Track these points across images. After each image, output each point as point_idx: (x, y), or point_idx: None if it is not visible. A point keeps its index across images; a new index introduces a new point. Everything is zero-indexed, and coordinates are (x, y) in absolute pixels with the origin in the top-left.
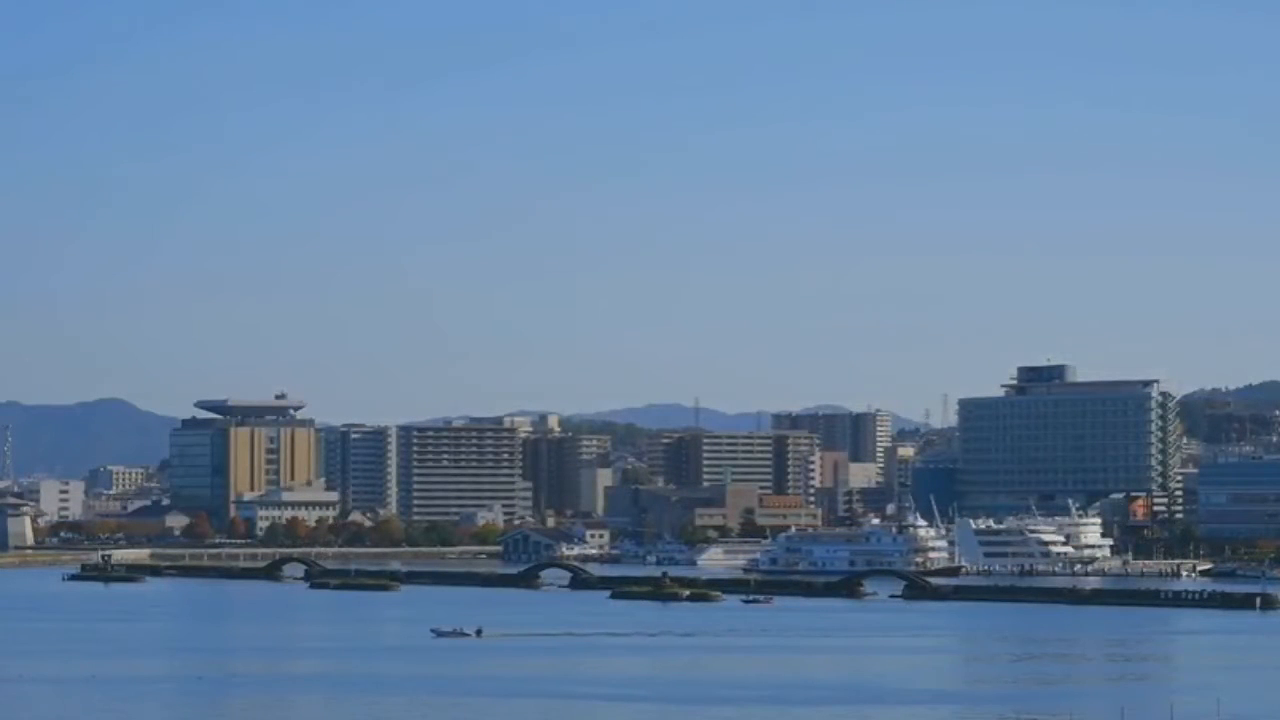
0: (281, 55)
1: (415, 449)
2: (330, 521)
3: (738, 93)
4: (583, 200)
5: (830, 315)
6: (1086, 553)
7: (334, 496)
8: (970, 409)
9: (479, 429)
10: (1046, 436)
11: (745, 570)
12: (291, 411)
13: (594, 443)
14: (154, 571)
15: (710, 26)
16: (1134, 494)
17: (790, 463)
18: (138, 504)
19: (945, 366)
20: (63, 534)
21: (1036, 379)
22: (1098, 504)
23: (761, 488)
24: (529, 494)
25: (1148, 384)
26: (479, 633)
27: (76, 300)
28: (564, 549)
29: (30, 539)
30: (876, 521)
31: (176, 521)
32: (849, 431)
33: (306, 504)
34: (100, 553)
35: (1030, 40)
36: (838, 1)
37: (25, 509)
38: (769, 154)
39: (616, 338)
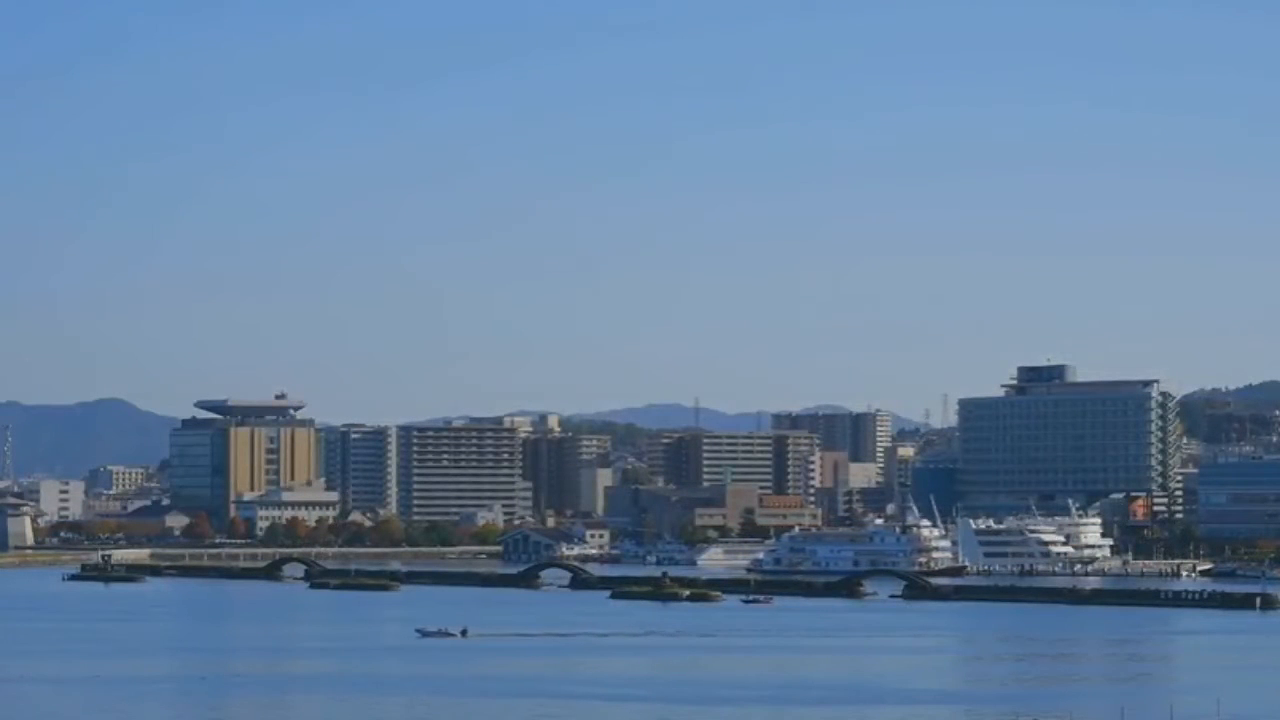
0: (281, 55)
1: (415, 449)
2: (330, 521)
3: (738, 93)
4: (583, 200)
5: (830, 315)
6: (1086, 553)
7: (334, 496)
8: (970, 409)
9: (479, 429)
10: (1046, 436)
11: (749, 570)
12: (291, 411)
13: (594, 443)
14: (154, 571)
15: (710, 26)
16: (1134, 494)
17: (790, 463)
18: (138, 504)
19: (945, 366)
20: (63, 534)
21: (1036, 379)
22: (1098, 504)
23: (761, 488)
24: (529, 494)
25: (1148, 384)
26: (464, 633)
27: (76, 300)
28: (564, 549)
29: (30, 539)
30: (880, 522)
31: (176, 521)
32: (849, 431)
33: (306, 504)
34: (100, 553)
35: (1030, 40)
36: (838, 1)
37: (25, 509)
38: (769, 154)
39: (616, 338)
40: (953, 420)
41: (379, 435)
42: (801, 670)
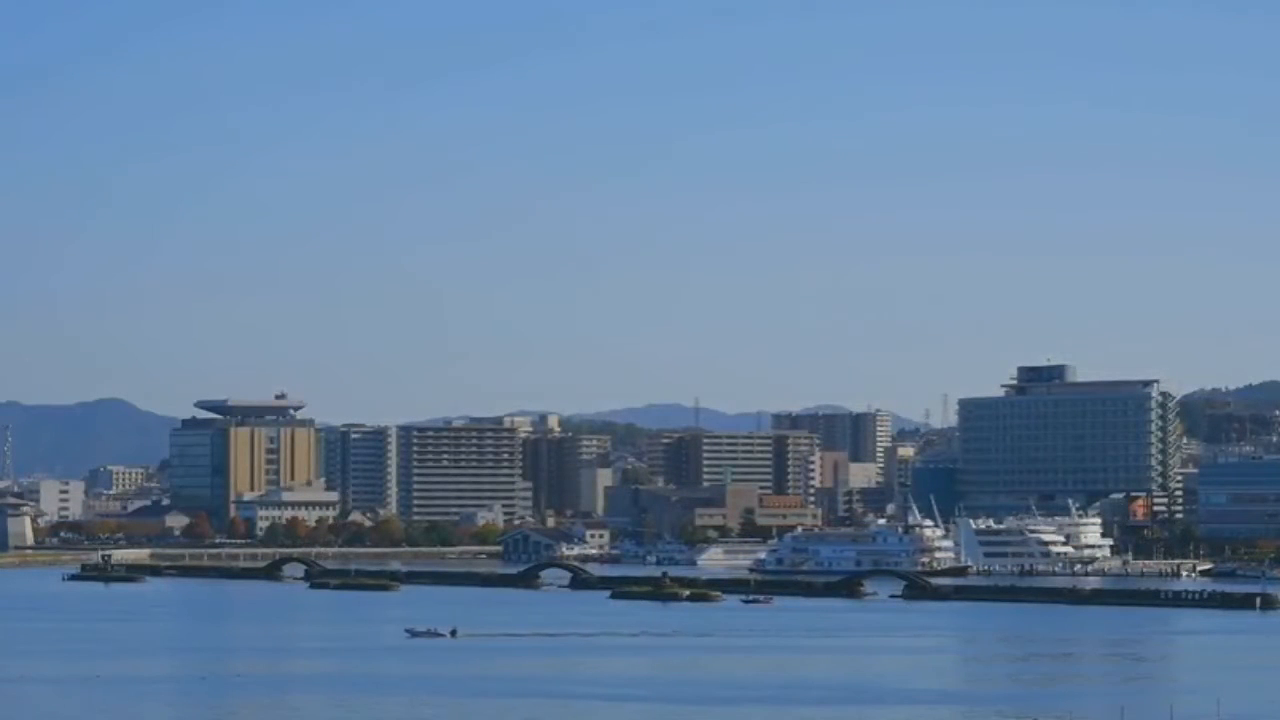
0: (281, 55)
1: (415, 449)
2: (330, 521)
3: (737, 93)
4: (583, 200)
5: (830, 315)
6: (1086, 553)
7: (334, 496)
8: (970, 409)
9: (479, 429)
10: (1046, 436)
11: (751, 570)
12: (291, 411)
13: (594, 443)
14: (154, 571)
15: (710, 26)
16: (1134, 494)
17: (790, 463)
18: (138, 504)
19: (945, 366)
20: (63, 534)
21: (1036, 379)
22: (1098, 504)
23: (761, 488)
24: (529, 494)
25: (1148, 384)
26: (453, 633)
27: (76, 300)
28: (564, 549)
29: (30, 539)
30: (882, 522)
31: (176, 521)
32: (849, 431)
33: (306, 504)
34: (100, 553)
35: (1030, 40)
36: (838, 1)
37: (25, 509)
38: (769, 154)
39: (616, 338)
40: (953, 420)
41: (379, 435)
42: (801, 670)
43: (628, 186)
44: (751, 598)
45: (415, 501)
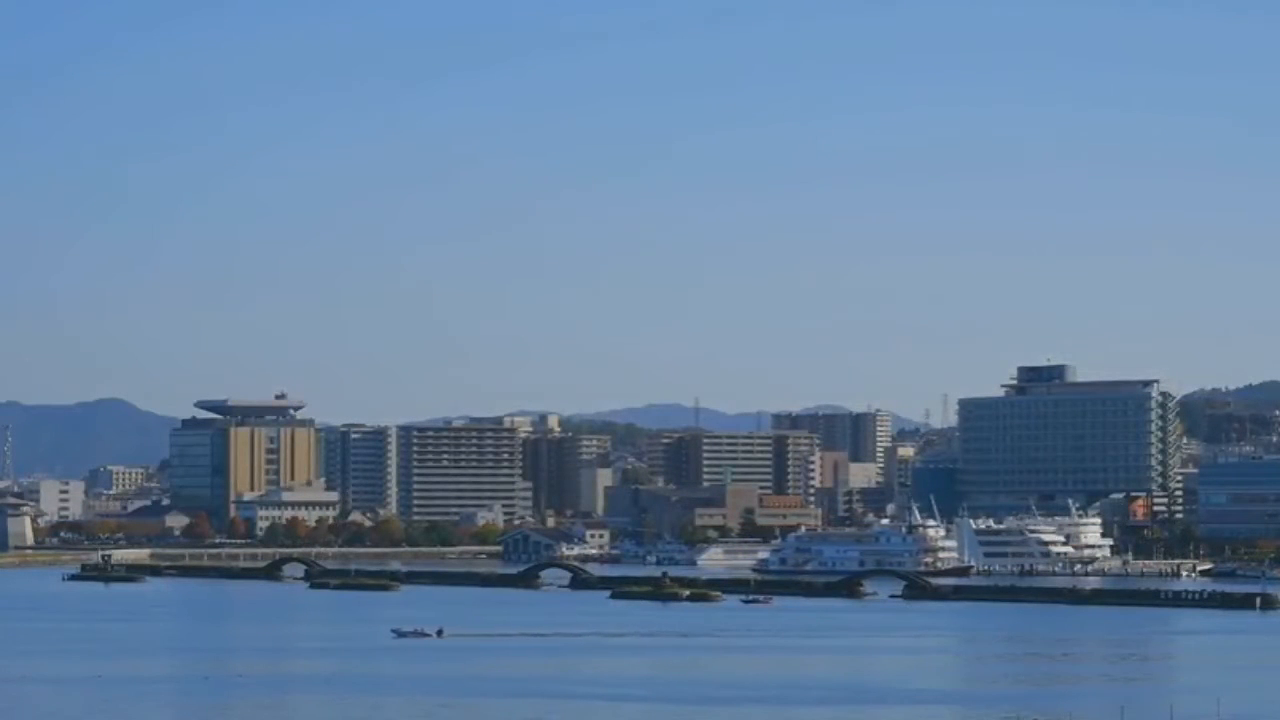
0: (281, 55)
1: (415, 449)
2: (330, 521)
3: (737, 93)
4: (583, 200)
5: (830, 315)
6: (1086, 553)
7: (334, 496)
8: (970, 409)
9: (479, 429)
10: (1046, 436)
11: (755, 570)
12: (291, 411)
13: (594, 443)
14: (154, 571)
15: (710, 26)
16: (1134, 494)
17: (790, 463)
18: (138, 504)
19: (945, 366)
20: (63, 534)
21: (1036, 379)
22: (1098, 504)
23: (761, 488)
24: (529, 494)
25: (1148, 384)
26: (440, 633)
27: (76, 300)
28: (564, 549)
29: (30, 539)
30: (886, 522)
31: (176, 521)
32: (849, 431)
33: (306, 504)
34: (100, 553)
35: (1030, 40)
36: (838, 1)
37: (25, 509)
38: (769, 154)
39: (616, 338)
40: (953, 420)
41: (379, 435)
42: (801, 670)
43: (628, 186)
44: (751, 598)
45: (415, 501)
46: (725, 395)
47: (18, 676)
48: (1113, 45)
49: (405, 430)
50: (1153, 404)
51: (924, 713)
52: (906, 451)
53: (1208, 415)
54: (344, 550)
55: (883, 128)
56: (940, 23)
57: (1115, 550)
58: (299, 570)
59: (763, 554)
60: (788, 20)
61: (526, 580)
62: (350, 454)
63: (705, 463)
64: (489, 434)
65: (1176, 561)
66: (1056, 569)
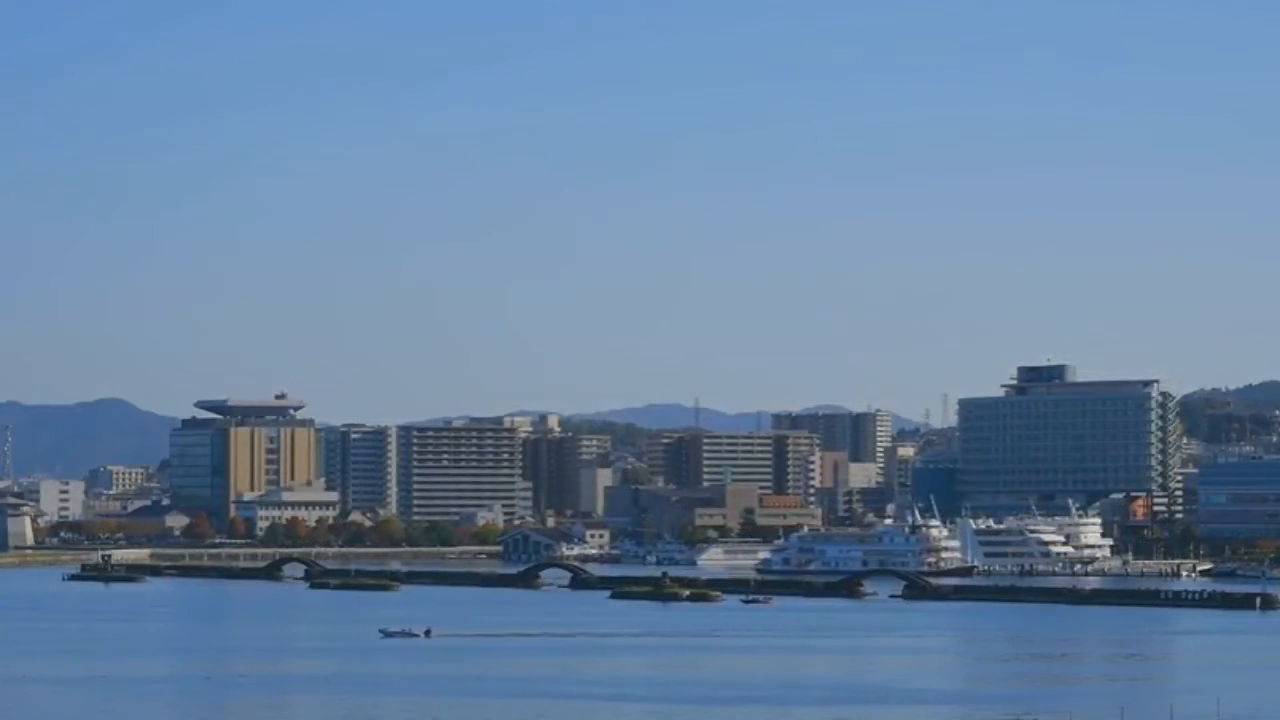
0: (281, 55)
1: (415, 449)
2: (330, 521)
3: (737, 93)
4: (583, 200)
5: (830, 315)
6: (1086, 553)
7: (334, 496)
8: (970, 409)
9: (479, 429)
10: (1046, 436)
11: (758, 570)
12: (291, 411)
13: (594, 443)
14: (154, 571)
15: (710, 26)
16: (1134, 494)
17: (790, 463)
18: (138, 504)
19: (945, 366)
20: (63, 534)
21: (1036, 379)
22: (1098, 504)
23: (761, 488)
24: (529, 494)
25: (1148, 384)
26: (427, 633)
27: (76, 300)
28: (564, 549)
29: (30, 539)
30: (889, 522)
31: (176, 521)
32: (849, 431)
33: (306, 504)
34: (100, 553)
35: (1030, 40)
36: (838, 1)
37: (25, 509)
38: (769, 154)
39: (616, 338)
40: (953, 420)
41: (379, 435)
42: (801, 670)
43: (628, 186)
44: (751, 598)
45: (415, 501)
46: (725, 395)
47: (18, 676)
48: (1113, 45)
49: (405, 430)
50: (1153, 404)
51: (924, 713)
52: (906, 451)
53: (1208, 415)
54: (344, 550)
55: (883, 128)
56: (940, 23)
57: (1115, 550)
58: (299, 570)
59: (763, 554)
60: (788, 20)
61: (526, 580)
62: (350, 454)
63: (705, 463)
64: (489, 434)
65: (1176, 561)
66: (1056, 569)
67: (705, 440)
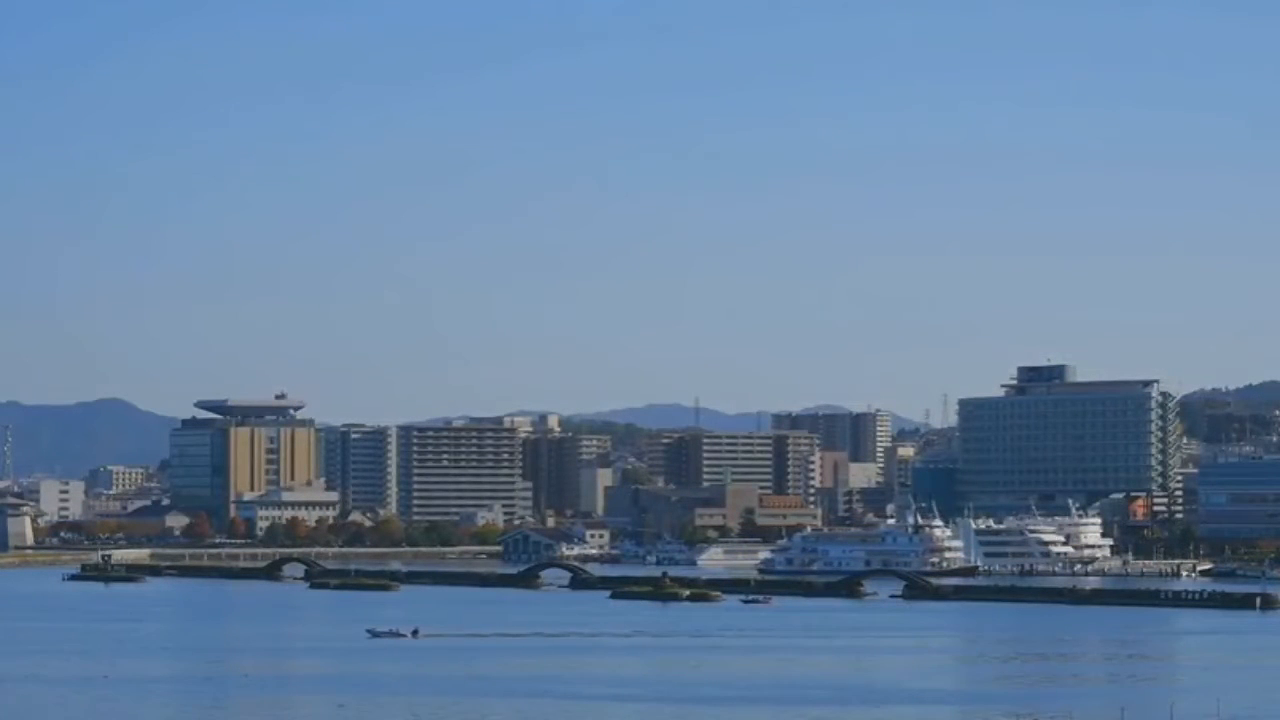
0: (281, 55)
1: (415, 449)
2: (330, 521)
3: (738, 93)
4: (583, 200)
5: (830, 315)
6: (1086, 553)
7: (334, 496)
8: (970, 409)
9: (479, 429)
10: (1046, 436)
11: (761, 570)
12: (291, 411)
13: (594, 443)
14: (154, 571)
15: (710, 27)
16: (1134, 494)
17: (790, 463)
18: (138, 504)
19: (945, 366)
20: (63, 534)
21: (1036, 379)
22: (1098, 504)
23: (761, 488)
24: (529, 494)
25: (1148, 384)
26: (414, 633)
27: (76, 300)
28: (564, 549)
29: (30, 539)
30: (892, 522)
31: (176, 521)
32: (849, 431)
33: (306, 504)
34: (100, 553)
35: (1030, 40)
36: (838, 2)
37: (25, 509)
38: (769, 154)
39: (616, 338)
40: (953, 420)
41: (379, 435)
42: (801, 670)
43: (628, 187)
44: (751, 598)
45: (415, 501)
46: (725, 395)
47: (18, 676)
48: (1113, 45)
49: (405, 430)
50: (1153, 404)
51: (924, 713)
52: (906, 451)
53: (1208, 415)
54: (344, 550)
55: (883, 128)
56: (940, 23)
57: (1115, 550)
58: (299, 570)
59: (763, 554)
60: (788, 21)
61: (526, 580)
62: (350, 454)
63: (705, 463)
64: (489, 434)
65: (1176, 561)
66: (1056, 569)
67: (705, 440)
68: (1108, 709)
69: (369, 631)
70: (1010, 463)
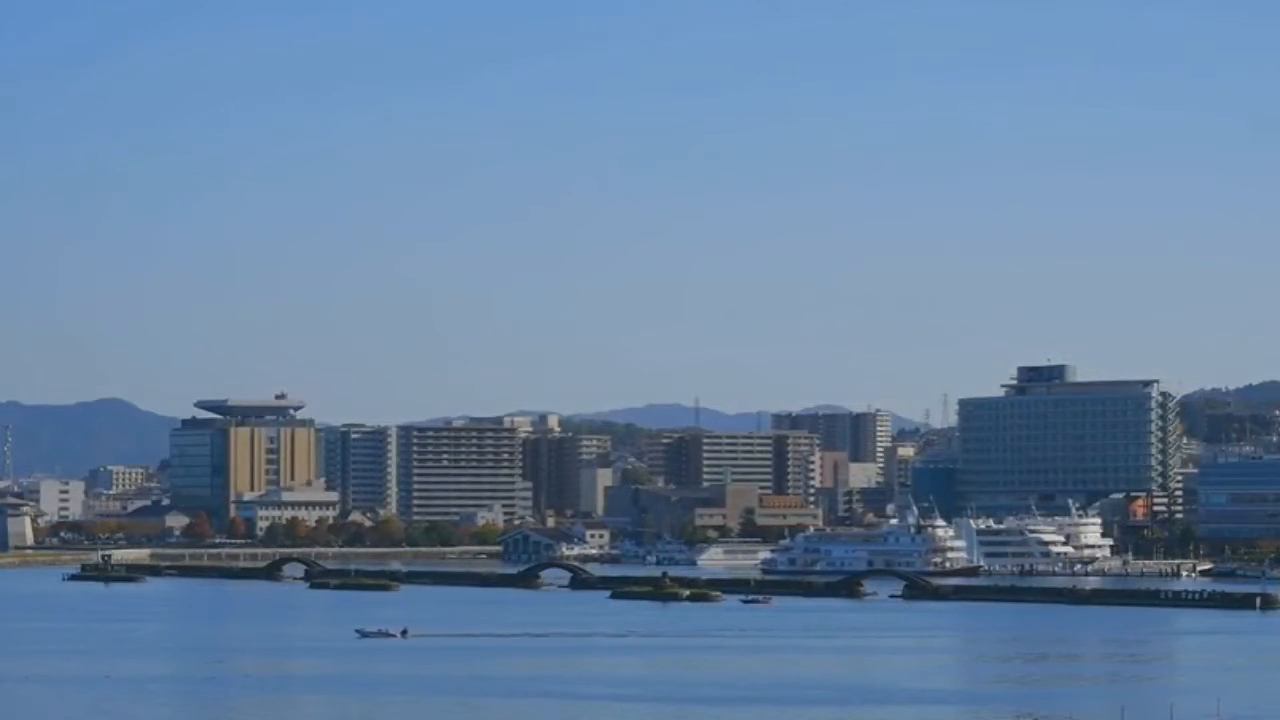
0: (281, 55)
1: (415, 449)
2: (330, 521)
3: (738, 93)
4: (583, 200)
5: (830, 315)
6: (1086, 553)
7: (334, 496)
8: (970, 409)
9: (479, 429)
10: (1046, 436)
11: (763, 570)
12: (291, 411)
13: (594, 443)
14: (154, 571)
15: (710, 27)
16: (1134, 494)
17: (790, 463)
18: (138, 504)
19: (945, 366)
20: (63, 534)
21: (1036, 379)
22: (1098, 504)
23: (761, 488)
24: (529, 494)
25: (1148, 384)
26: (404, 633)
27: (76, 300)
28: (564, 549)
29: (30, 539)
30: (894, 522)
31: (176, 521)
32: (849, 431)
33: (306, 504)
34: (100, 553)
35: (1030, 40)
36: (838, 1)
37: (25, 509)
38: (769, 154)
39: (616, 338)
40: (953, 420)
41: (379, 435)
42: (801, 670)
43: (628, 187)
44: (751, 598)
45: (415, 501)
46: (725, 395)
47: (18, 676)
48: (1112, 45)
49: (405, 430)
50: (1153, 404)
51: (924, 713)
52: (906, 451)
53: (1208, 415)
54: (344, 550)
55: (883, 128)
56: (940, 23)
57: (1115, 550)
58: (299, 570)
59: (763, 554)
60: (788, 21)
61: (526, 580)
62: (350, 454)
63: (705, 463)
64: (489, 434)
65: (1176, 561)
66: (1056, 569)
67: (705, 440)
68: (1108, 709)
69: (358, 632)
70: (1010, 463)
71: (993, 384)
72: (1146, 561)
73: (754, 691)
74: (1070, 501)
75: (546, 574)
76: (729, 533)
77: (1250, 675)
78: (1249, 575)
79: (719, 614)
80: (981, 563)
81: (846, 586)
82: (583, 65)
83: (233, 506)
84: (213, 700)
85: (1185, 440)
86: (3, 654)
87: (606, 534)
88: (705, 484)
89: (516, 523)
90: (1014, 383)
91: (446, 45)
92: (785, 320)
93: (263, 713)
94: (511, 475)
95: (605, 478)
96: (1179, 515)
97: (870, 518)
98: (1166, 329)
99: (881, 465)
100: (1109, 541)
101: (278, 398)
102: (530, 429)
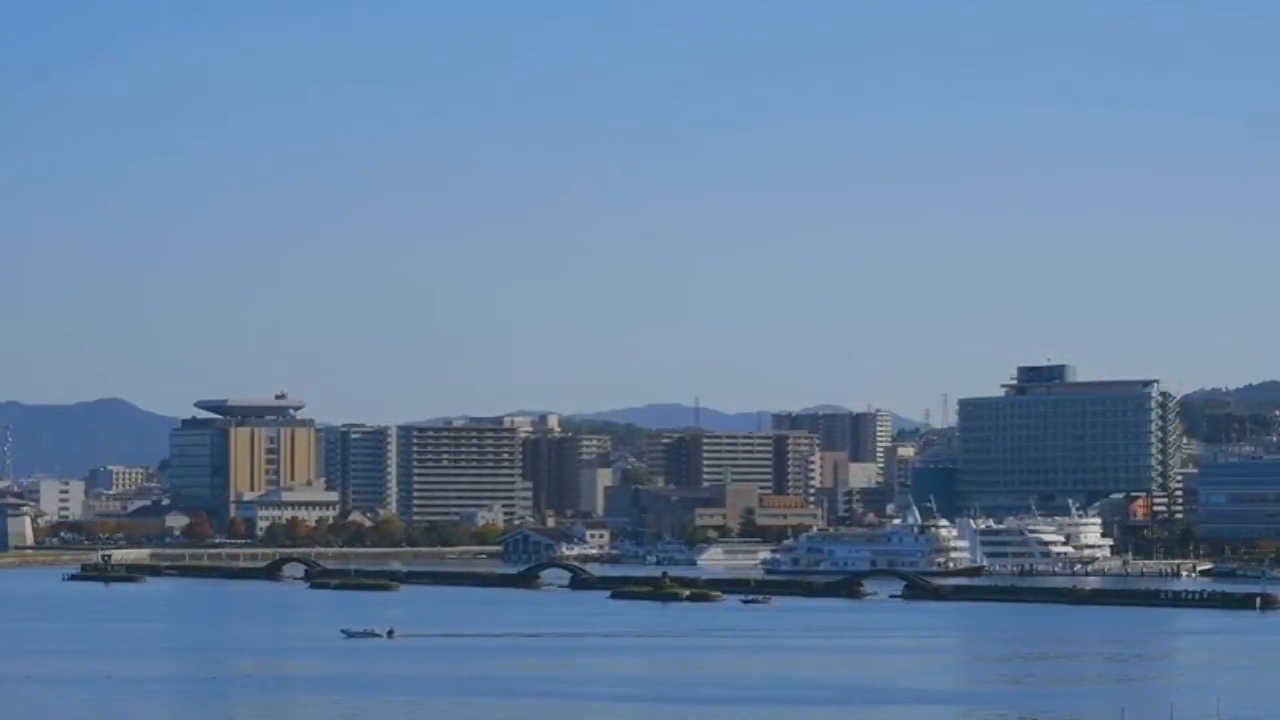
0: (281, 55)
1: (415, 449)
2: (330, 521)
3: (738, 93)
4: (583, 200)
5: (830, 315)
6: (1086, 553)
7: (334, 496)
8: (970, 409)
9: (479, 429)
10: (1046, 436)
11: (766, 570)
12: (291, 411)
13: (594, 443)
14: (154, 571)
15: (710, 27)
16: (1134, 494)
17: (790, 463)
18: (138, 504)
19: (945, 366)
20: (63, 534)
21: (1036, 379)
22: (1098, 504)
23: (761, 488)
24: (529, 494)
25: (1148, 384)
26: (390, 633)
27: (76, 300)
28: (564, 549)
29: (30, 539)
30: (897, 522)
31: (176, 521)
32: (849, 431)
33: (306, 504)
34: (100, 553)
35: (1030, 40)
36: (839, 1)
37: (25, 509)
38: (769, 154)
39: (616, 338)
40: (953, 420)
41: (379, 435)
42: (801, 670)
43: (628, 187)
44: (751, 598)
45: (415, 501)
46: (725, 395)
47: (18, 676)
48: (1112, 45)
49: (405, 430)
50: (1153, 404)
51: (924, 713)
52: (906, 451)
53: (1208, 415)
54: (344, 550)
55: (883, 128)
56: (940, 23)
57: (1115, 550)
58: (299, 570)
59: (763, 554)
60: (788, 20)
61: (526, 580)
62: (350, 454)
63: (705, 463)
64: (489, 434)
65: (1176, 561)
66: (1057, 569)
67: (705, 440)
68: (1108, 709)
69: (344, 632)
70: (1010, 463)
71: (993, 384)
72: (1146, 561)
73: (754, 691)
74: (1070, 501)
75: (546, 574)
76: (729, 533)
77: (1250, 675)
78: (1249, 575)
79: (719, 614)
80: (984, 563)
81: (846, 586)
82: (582, 65)
83: (233, 506)
84: (213, 700)
85: (1185, 440)
86: (3, 654)
87: (606, 534)
88: (705, 484)
89: (516, 523)
90: (1014, 383)
91: (446, 45)
92: (785, 320)
93: (263, 713)
94: (511, 475)
95: (605, 478)
96: (1179, 515)
97: (871, 518)
98: (1166, 329)
99: (881, 465)
100: (1109, 541)
101: (278, 398)
102: (530, 429)
